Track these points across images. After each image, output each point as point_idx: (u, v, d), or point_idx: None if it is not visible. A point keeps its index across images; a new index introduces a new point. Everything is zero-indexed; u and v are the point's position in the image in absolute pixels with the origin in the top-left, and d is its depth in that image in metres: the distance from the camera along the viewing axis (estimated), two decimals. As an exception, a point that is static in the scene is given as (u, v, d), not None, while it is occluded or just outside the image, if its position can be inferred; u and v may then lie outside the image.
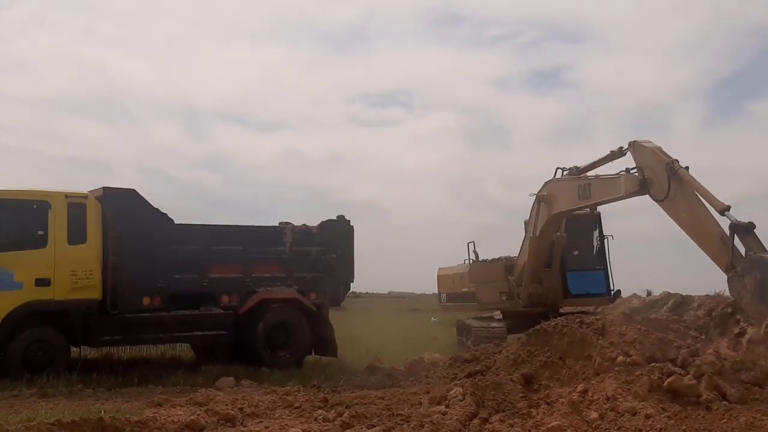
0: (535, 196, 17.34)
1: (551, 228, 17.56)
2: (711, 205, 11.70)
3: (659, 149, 12.81)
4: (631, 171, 13.51)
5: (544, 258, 18.21)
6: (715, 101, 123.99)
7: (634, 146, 13.48)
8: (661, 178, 12.41)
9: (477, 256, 20.40)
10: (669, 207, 12.39)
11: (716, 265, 11.84)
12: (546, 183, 17.05)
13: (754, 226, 11.22)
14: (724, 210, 11.50)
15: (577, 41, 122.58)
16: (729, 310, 14.26)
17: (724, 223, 11.46)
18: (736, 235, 11.21)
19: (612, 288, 18.94)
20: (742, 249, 11.24)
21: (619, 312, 13.92)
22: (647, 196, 13.06)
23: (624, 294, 21.34)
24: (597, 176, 15.21)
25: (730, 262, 11.37)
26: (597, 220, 19.16)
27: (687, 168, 12.20)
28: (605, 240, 19.06)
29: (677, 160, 12.29)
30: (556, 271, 18.44)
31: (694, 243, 12.09)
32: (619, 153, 14.41)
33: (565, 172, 16.58)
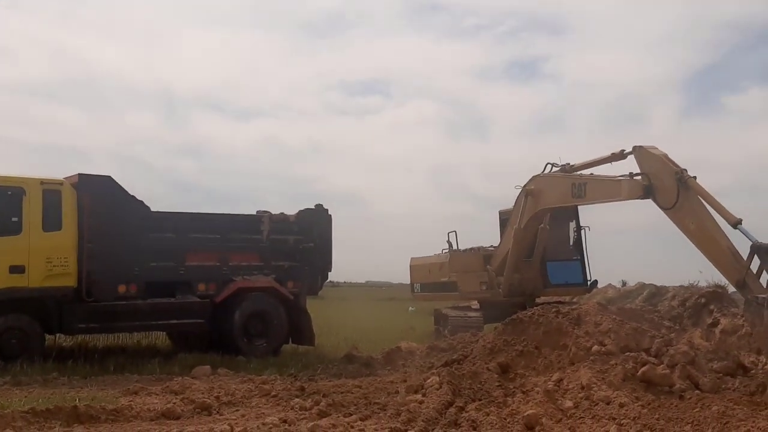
0: (521, 188, 17.36)
1: (536, 221, 17.64)
2: (723, 217, 11.56)
3: (666, 156, 12.65)
4: (635, 176, 13.28)
5: (526, 249, 18.29)
6: (691, 94, 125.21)
7: (640, 152, 13.21)
8: (669, 187, 12.25)
9: (454, 245, 20.42)
10: (676, 216, 12.25)
11: (722, 275, 11.87)
12: (534, 177, 17.01)
13: None
14: (736, 223, 11.36)
15: (556, 32, 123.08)
16: (702, 300, 14.49)
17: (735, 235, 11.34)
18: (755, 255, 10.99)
19: (589, 278, 19.09)
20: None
21: (595, 302, 14.04)
22: (649, 201, 12.93)
23: (600, 284, 21.58)
24: (592, 175, 15.14)
25: (742, 279, 11.20)
26: (574, 211, 19.27)
27: (695, 177, 12.05)
28: (582, 231, 19.17)
29: (686, 170, 12.16)
30: (536, 261, 18.51)
31: (701, 253, 11.88)
32: (620, 155, 14.26)
33: (555, 168, 16.57)
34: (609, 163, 14.77)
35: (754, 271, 11.09)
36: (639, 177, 13.15)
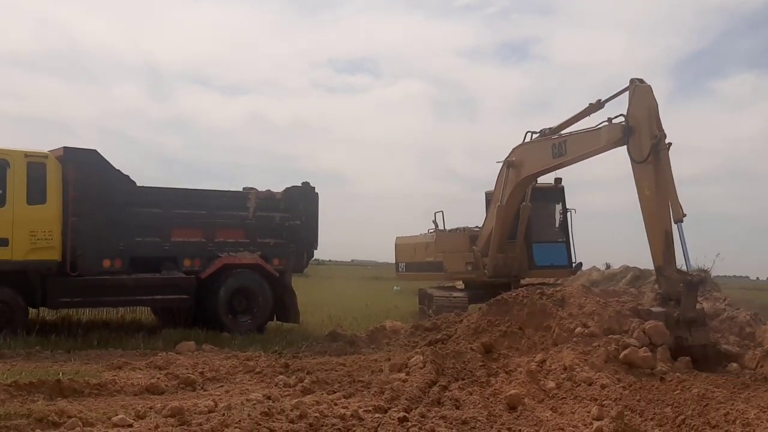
0: (501, 163, 17.36)
1: (518, 195, 17.61)
2: (672, 205, 11.71)
3: (656, 109, 12.39)
4: (614, 120, 13.14)
5: (509, 228, 18.30)
6: (678, 79, 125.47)
7: (636, 89, 12.66)
8: (645, 142, 12.20)
9: (440, 225, 20.45)
10: (640, 173, 12.27)
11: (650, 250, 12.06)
12: (514, 148, 17.00)
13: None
14: (679, 219, 11.57)
15: (546, 14, 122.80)
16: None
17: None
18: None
19: (573, 261, 19.18)
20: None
21: (579, 284, 14.15)
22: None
23: (584, 267, 21.71)
24: (571, 133, 15.05)
25: (661, 265, 11.64)
26: (561, 193, 19.33)
27: (669, 146, 12.07)
28: (568, 213, 19.23)
29: (665, 137, 12.11)
30: (520, 242, 18.56)
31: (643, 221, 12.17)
32: (597, 105, 14.16)
33: (535, 135, 16.45)
34: (586, 118, 14.70)
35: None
36: (618, 120, 12.93)
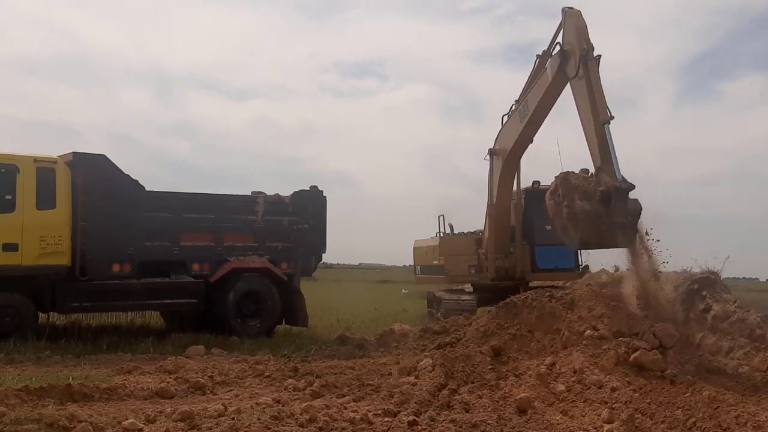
0: (488, 160, 17.36)
1: (508, 186, 17.53)
2: (598, 109, 12.35)
3: (584, 28, 13.06)
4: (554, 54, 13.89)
5: (505, 228, 18.17)
6: (686, 80, 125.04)
7: (565, 15, 13.48)
8: (575, 59, 12.83)
9: (452, 228, 20.41)
10: (575, 89, 12.88)
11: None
12: (495, 138, 17.10)
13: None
14: (605, 122, 12.26)
15: (552, 16, 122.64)
16: (695, 286, 14.52)
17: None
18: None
19: (580, 263, 19.03)
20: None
21: (588, 287, 14.08)
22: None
23: (593, 269, 21.57)
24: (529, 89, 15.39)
25: (600, 165, 12.20)
26: None
27: (599, 57, 12.69)
28: None
29: (593, 49, 12.68)
30: (519, 243, 18.45)
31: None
32: (546, 53, 14.49)
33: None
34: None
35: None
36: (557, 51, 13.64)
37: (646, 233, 12.07)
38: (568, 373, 9.25)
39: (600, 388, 8.56)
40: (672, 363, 9.71)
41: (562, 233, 13.29)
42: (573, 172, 13.27)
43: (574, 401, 8.36)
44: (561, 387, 8.81)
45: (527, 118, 15.33)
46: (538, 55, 14.83)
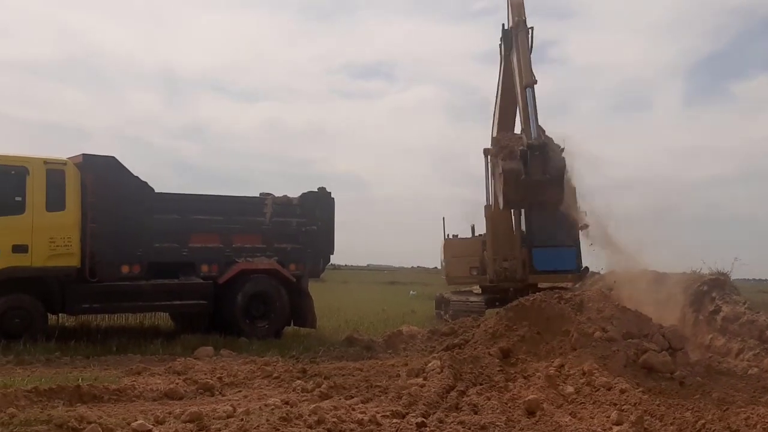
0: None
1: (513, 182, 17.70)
2: (522, 75, 13.43)
3: (520, 5, 14.19)
4: None
5: (505, 230, 18.28)
6: (697, 80, 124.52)
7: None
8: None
9: (473, 230, 20.31)
10: (510, 61, 14.04)
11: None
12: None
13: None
14: (528, 85, 13.27)
15: (562, 17, 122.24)
16: (704, 287, 14.51)
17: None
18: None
19: (581, 264, 18.76)
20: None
21: (597, 288, 14.06)
22: None
23: (604, 271, 21.41)
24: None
25: (523, 128, 13.33)
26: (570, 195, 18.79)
27: (531, 29, 13.90)
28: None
29: (524, 22, 13.84)
30: (517, 245, 18.41)
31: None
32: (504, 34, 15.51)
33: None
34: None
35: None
36: None
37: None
38: (577, 374, 9.22)
39: (609, 389, 8.54)
40: (681, 364, 9.69)
41: (497, 195, 13.76)
42: (508, 134, 13.80)
43: (583, 403, 8.34)
44: (570, 389, 8.79)
45: (500, 105, 16.19)
46: (504, 30, 15.67)
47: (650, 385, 8.88)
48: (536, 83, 13.28)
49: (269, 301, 15.16)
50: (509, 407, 8.13)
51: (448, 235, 20.27)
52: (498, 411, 7.88)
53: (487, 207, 17.94)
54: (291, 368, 10.56)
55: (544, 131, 13.23)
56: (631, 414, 7.50)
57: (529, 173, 12.65)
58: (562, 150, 13.33)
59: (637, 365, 9.47)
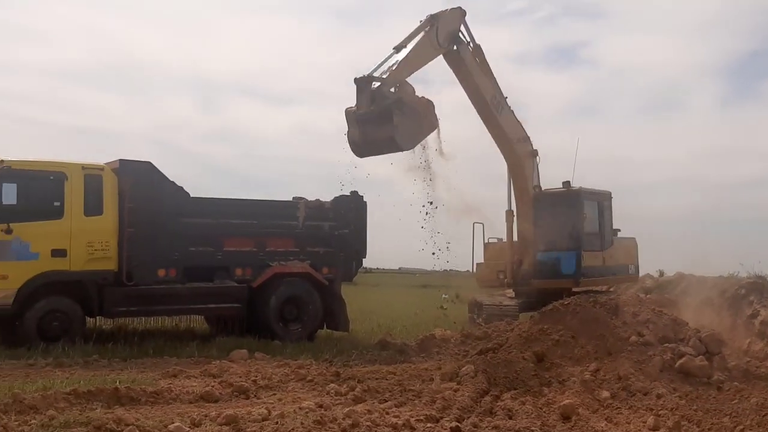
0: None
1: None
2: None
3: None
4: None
5: (521, 234, 18.40)
6: (732, 80, 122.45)
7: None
8: None
9: (473, 235, 20.30)
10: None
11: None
12: None
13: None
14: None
15: (595, 17, 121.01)
16: (742, 291, 14.30)
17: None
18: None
19: (581, 269, 17.84)
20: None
21: (633, 292, 13.95)
22: None
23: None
24: None
25: None
26: (571, 197, 18.40)
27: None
28: (582, 219, 18.16)
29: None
30: (524, 249, 18.41)
31: None
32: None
33: None
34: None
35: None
36: None
37: None
38: (613, 379, 9.16)
39: (645, 394, 8.47)
40: (719, 369, 9.57)
41: None
42: None
43: (619, 408, 8.28)
44: (605, 393, 8.73)
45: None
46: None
47: (687, 390, 8.79)
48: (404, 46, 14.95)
49: (302, 304, 15.23)
50: (544, 412, 8.09)
51: (488, 240, 20.18)
52: (533, 416, 7.85)
53: (508, 212, 17.94)
54: (324, 371, 10.60)
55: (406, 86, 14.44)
56: (668, 419, 7.43)
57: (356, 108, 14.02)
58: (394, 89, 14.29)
59: (673, 370, 9.39)
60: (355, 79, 13.99)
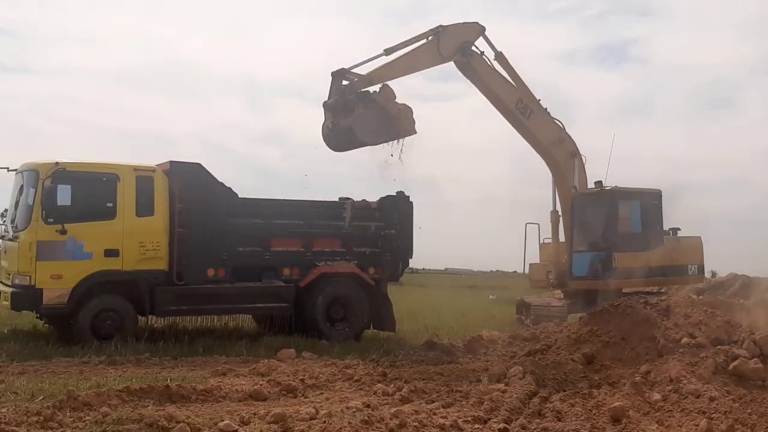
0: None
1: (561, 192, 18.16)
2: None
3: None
4: None
5: (568, 235, 18.44)
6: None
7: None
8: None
9: (525, 236, 20.21)
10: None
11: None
12: None
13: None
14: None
15: (645, 15, 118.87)
16: (798, 292, 13.92)
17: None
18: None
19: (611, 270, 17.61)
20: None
21: (685, 293, 13.70)
22: None
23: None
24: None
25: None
26: (605, 198, 18.20)
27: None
28: (615, 219, 18.05)
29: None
30: (560, 250, 18.31)
31: None
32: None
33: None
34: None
35: None
36: None
37: None
38: (664, 381, 9.00)
39: (698, 397, 8.30)
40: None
41: None
42: None
43: (670, 411, 8.13)
44: (657, 396, 8.58)
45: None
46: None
47: (741, 393, 8.58)
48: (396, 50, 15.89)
49: (349, 304, 15.29)
50: (594, 414, 8.00)
51: (543, 240, 20.05)
52: (582, 418, 7.77)
53: (552, 212, 17.84)
54: (371, 371, 10.63)
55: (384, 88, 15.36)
56: (722, 423, 7.29)
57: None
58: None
59: (726, 372, 9.17)
60: (332, 72, 15.28)
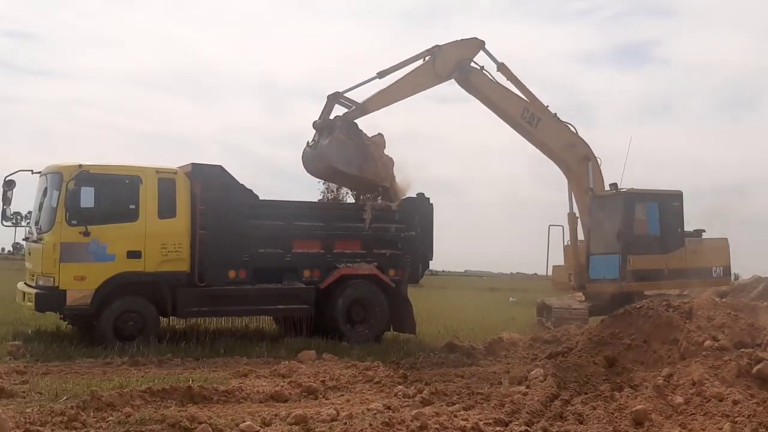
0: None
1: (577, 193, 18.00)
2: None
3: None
4: None
5: (586, 238, 18.42)
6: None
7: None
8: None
9: (548, 239, 20.22)
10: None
11: None
12: None
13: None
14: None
15: (664, 15, 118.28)
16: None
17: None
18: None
19: (625, 272, 17.52)
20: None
21: (708, 295, 13.58)
22: None
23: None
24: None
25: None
26: (622, 200, 18.06)
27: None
28: (630, 221, 17.88)
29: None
30: (577, 253, 18.19)
31: None
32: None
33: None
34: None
35: None
36: None
37: None
38: (687, 384, 8.91)
39: (721, 400, 8.21)
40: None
41: None
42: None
43: (693, 414, 8.05)
44: (679, 399, 8.50)
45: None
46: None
47: (764, 396, 8.47)
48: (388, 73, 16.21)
49: (369, 306, 15.31)
50: (616, 417, 7.93)
51: (567, 242, 19.98)
52: (604, 421, 7.72)
53: (570, 215, 17.78)
54: (392, 373, 10.64)
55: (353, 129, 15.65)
56: (746, 426, 7.21)
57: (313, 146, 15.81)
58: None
59: (750, 375, 9.05)
60: (328, 95, 15.50)
